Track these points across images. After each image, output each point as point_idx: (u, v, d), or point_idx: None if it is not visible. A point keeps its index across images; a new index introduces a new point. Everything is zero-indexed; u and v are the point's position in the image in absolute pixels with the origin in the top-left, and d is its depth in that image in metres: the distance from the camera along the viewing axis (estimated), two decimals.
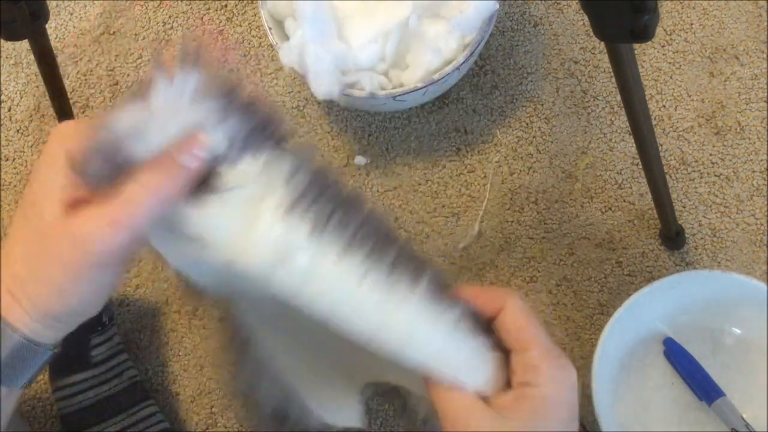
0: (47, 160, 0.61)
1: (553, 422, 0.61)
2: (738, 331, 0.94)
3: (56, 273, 0.59)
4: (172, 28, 1.14)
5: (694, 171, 1.03)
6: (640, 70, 1.05)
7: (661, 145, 1.03)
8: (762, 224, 1.00)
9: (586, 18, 0.85)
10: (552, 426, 0.61)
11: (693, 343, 0.94)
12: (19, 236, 0.61)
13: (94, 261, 0.58)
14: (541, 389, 0.61)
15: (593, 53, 1.08)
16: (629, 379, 0.94)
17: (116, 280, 0.63)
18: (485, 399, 0.62)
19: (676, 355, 0.93)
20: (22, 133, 1.12)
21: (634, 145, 0.99)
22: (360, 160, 1.07)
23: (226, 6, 1.14)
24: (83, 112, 1.12)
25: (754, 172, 1.02)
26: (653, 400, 0.93)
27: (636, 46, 0.82)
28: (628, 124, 0.93)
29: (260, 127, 0.62)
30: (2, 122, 1.12)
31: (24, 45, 1.14)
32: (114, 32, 1.15)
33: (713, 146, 1.03)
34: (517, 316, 0.63)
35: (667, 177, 0.99)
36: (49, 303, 0.59)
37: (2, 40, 1.08)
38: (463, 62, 0.97)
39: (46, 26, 0.81)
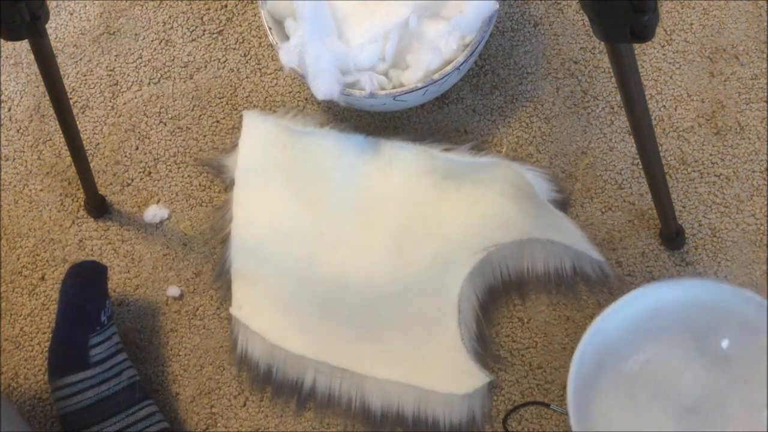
0: None
1: None
2: (727, 340, 0.93)
3: None
4: (172, 28, 1.14)
5: (694, 171, 1.03)
6: (640, 70, 1.05)
7: (661, 145, 1.03)
8: (762, 224, 1.00)
9: (586, 18, 0.85)
10: None
11: (682, 347, 0.93)
12: None
13: None
14: None
15: (593, 53, 1.08)
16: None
17: None
18: None
19: None
20: (22, 133, 1.12)
21: (634, 145, 0.99)
22: None
23: (226, 6, 1.14)
24: (83, 112, 1.12)
25: (754, 172, 1.02)
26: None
27: (636, 46, 0.82)
28: (628, 124, 0.93)
29: None
30: (2, 122, 1.12)
31: (24, 45, 1.14)
32: (114, 32, 1.15)
33: (713, 146, 1.03)
34: None
35: (667, 177, 0.99)
36: None
37: (2, 40, 1.08)
38: (463, 62, 0.97)
39: (46, 26, 0.80)
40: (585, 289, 1.00)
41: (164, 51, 1.13)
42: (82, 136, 0.99)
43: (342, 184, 1.02)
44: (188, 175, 1.08)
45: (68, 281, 0.97)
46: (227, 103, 1.10)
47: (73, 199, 1.09)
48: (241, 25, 1.13)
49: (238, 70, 1.12)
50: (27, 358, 1.04)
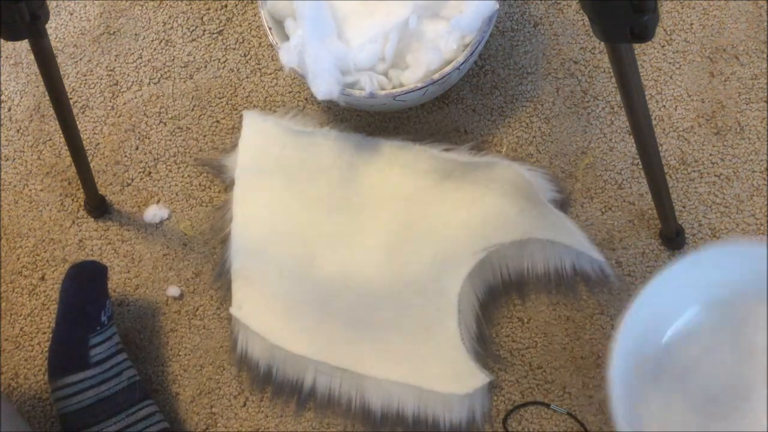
0: None
1: None
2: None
3: None
4: (172, 28, 1.14)
5: (694, 171, 1.03)
6: (640, 70, 1.05)
7: (661, 145, 1.03)
8: (762, 224, 1.00)
9: (586, 18, 0.85)
10: None
11: (728, 319, 0.92)
12: None
13: None
14: None
15: (593, 53, 1.08)
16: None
17: None
18: None
19: None
20: (22, 133, 1.12)
21: (634, 145, 0.99)
22: None
23: (226, 6, 1.14)
24: (83, 112, 1.12)
25: (754, 172, 1.02)
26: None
27: (636, 46, 0.82)
28: (628, 124, 0.93)
29: None
30: (2, 122, 1.12)
31: (24, 45, 1.14)
32: (114, 32, 1.15)
33: (713, 146, 1.03)
34: None
35: (667, 177, 0.99)
36: None
37: (2, 40, 1.08)
38: (463, 62, 0.97)
39: (46, 26, 0.80)
40: (585, 289, 1.00)
41: (164, 51, 1.13)
42: (82, 136, 0.99)
43: (342, 184, 1.02)
44: (188, 175, 1.08)
45: (68, 281, 0.97)
46: (227, 103, 1.10)
47: (73, 199, 1.09)
48: (241, 25, 1.13)
49: (238, 70, 1.12)
50: (27, 358, 1.04)
